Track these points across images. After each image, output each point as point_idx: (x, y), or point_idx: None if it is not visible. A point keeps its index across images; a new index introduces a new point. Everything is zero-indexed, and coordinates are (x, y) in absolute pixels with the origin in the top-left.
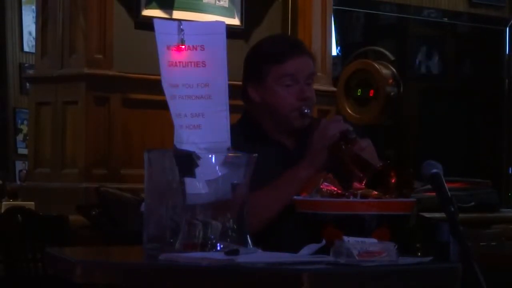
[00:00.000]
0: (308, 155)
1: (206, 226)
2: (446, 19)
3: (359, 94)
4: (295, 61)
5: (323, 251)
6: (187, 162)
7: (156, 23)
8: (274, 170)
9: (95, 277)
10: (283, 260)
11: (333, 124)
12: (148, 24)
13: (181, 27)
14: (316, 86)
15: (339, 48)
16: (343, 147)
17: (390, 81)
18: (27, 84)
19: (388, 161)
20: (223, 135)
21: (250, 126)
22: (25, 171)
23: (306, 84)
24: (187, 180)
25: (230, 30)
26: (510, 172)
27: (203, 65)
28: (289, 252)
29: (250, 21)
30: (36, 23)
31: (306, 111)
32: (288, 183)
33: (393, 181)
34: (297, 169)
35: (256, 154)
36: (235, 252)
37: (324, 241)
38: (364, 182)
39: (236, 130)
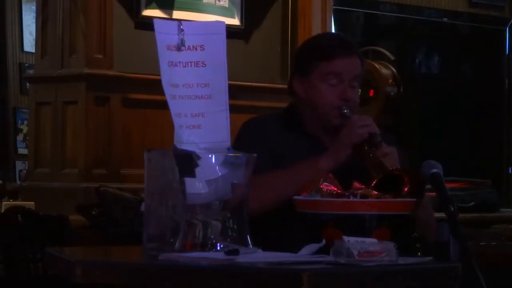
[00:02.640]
0: (332, 148)
1: (206, 226)
2: (446, 19)
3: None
4: (342, 61)
5: (323, 251)
6: (187, 162)
7: (156, 23)
8: None
9: (95, 277)
10: (283, 260)
11: (363, 123)
12: (148, 24)
13: (181, 27)
14: None
15: None
16: (366, 148)
17: (390, 81)
18: (27, 84)
19: (403, 167)
20: (223, 135)
21: (291, 117)
22: (25, 171)
23: (350, 86)
24: (187, 180)
25: (230, 30)
26: (510, 172)
27: (203, 65)
28: (289, 252)
29: (250, 21)
30: (36, 23)
31: (345, 111)
32: (306, 170)
33: (405, 189)
34: (318, 159)
35: (256, 154)
36: (235, 252)
37: (324, 241)
38: (374, 182)
39: (275, 119)
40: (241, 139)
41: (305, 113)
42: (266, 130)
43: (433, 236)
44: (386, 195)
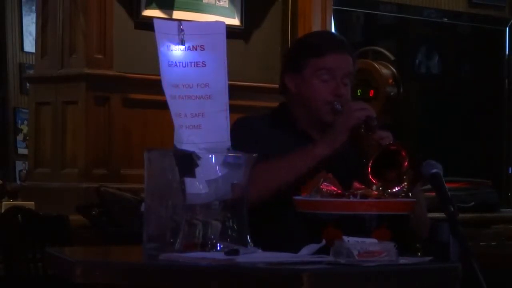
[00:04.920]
0: (329, 134)
1: (206, 226)
2: (446, 19)
3: (359, 94)
4: (335, 57)
5: (323, 251)
6: (187, 162)
7: (156, 23)
8: None
9: (95, 277)
10: (283, 260)
11: (360, 107)
12: (148, 24)
13: (181, 27)
14: None
15: None
16: (363, 132)
17: (390, 81)
18: (27, 84)
19: (398, 142)
20: (223, 135)
21: (282, 115)
22: (25, 171)
23: (342, 83)
24: (187, 180)
25: (230, 30)
26: (510, 172)
27: (203, 65)
28: (289, 252)
29: (250, 21)
30: (36, 23)
31: (337, 107)
32: (303, 157)
33: (405, 163)
34: (314, 145)
35: (256, 154)
36: (235, 252)
37: (324, 241)
38: (371, 162)
39: (266, 118)
40: (232, 138)
41: (296, 111)
42: (256, 128)
43: (425, 232)
44: (396, 180)
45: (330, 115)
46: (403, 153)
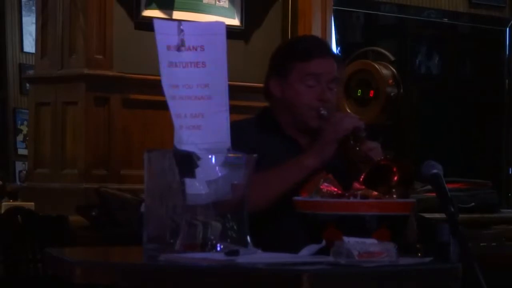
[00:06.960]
0: (317, 145)
1: (206, 226)
2: (446, 19)
3: (359, 94)
4: (320, 62)
5: (323, 251)
6: (187, 163)
7: (156, 23)
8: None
9: (95, 278)
10: (283, 260)
11: (348, 118)
12: (148, 24)
13: (181, 27)
14: None
15: (339, 48)
16: (351, 143)
17: (390, 81)
18: (27, 84)
19: (389, 157)
20: (223, 136)
21: (267, 119)
22: (25, 172)
23: (327, 88)
24: (187, 181)
25: (230, 31)
26: (510, 172)
27: (203, 66)
28: (289, 252)
29: (250, 22)
30: (36, 23)
31: (322, 112)
32: (293, 168)
33: (395, 178)
34: (304, 156)
35: (256, 155)
36: (235, 253)
37: (324, 242)
38: (363, 176)
39: (251, 122)
40: None
41: (281, 115)
42: (243, 133)
43: (412, 236)
44: (385, 194)
45: (315, 121)
46: (394, 169)
